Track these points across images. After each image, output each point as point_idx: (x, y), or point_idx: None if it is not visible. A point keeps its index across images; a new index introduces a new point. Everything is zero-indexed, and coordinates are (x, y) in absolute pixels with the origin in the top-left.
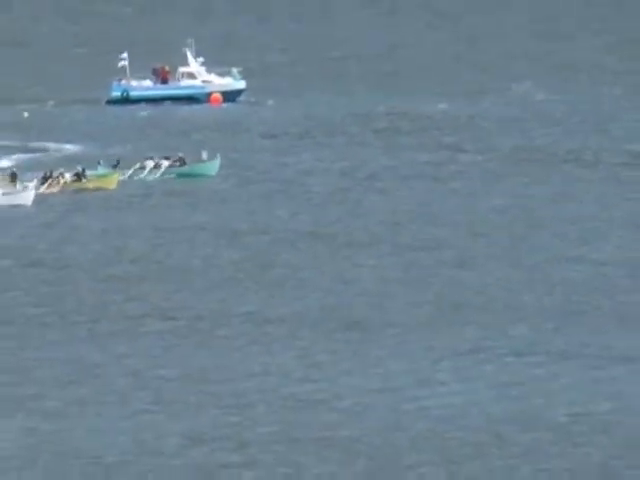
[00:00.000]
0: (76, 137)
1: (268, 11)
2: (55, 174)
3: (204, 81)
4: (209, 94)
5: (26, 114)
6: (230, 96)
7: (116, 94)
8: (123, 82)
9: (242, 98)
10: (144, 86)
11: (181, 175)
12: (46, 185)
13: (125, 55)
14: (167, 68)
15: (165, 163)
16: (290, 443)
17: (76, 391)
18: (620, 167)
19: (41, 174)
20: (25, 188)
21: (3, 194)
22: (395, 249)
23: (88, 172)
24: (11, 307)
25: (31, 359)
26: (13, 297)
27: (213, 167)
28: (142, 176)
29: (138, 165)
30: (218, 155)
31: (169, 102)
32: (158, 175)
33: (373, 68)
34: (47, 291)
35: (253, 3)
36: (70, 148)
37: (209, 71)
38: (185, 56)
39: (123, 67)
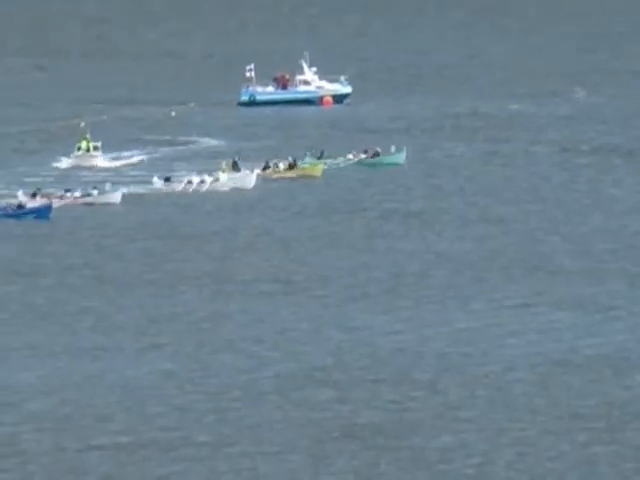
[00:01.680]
0: (215, 133)
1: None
2: (271, 163)
3: (317, 87)
4: (321, 97)
5: (173, 113)
6: (339, 99)
7: (245, 98)
8: (250, 88)
9: (348, 101)
10: (268, 91)
11: (375, 164)
12: (264, 172)
13: (252, 66)
14: (287, 76)
15: (362, 155)
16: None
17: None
18: None
19: (261, 163)
20: (248, 174)
21: (229, 179)
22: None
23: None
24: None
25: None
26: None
27: (400, 157)
28: (342, 165)
29: (340, 157)
30: (404, 148)
31: (289, 105)
32: (353, 164)
33: (455, 74)
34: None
35: (354, 20)
36: (212, 142)
37: (321, 78)
38: (301, 66)
39: (250, 76)
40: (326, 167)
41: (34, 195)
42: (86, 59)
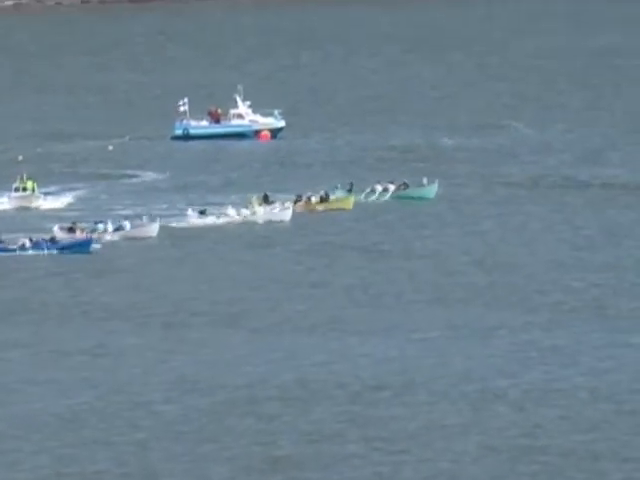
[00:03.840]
0: (152, 167)
1: (298, 58)
2: (304, 196)
3: (251, 120)
4: (256, 131)
5: (111, 147)
6: (274, 133)
7: (179, 132)
8: (184, 122)
9: (282, 135)
10: (202, 125)
11: (404, 197)
12: (296, 205)
13: (185, 100)
14: (219, 110)
15: (391, 187)
16: None
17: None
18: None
19: (293, 196)
20: (285, 207)
21: (266, 212)
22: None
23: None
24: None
25: None
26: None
27: (432, 191)
28: (373, 198)
29: (369, 189)
30: (436, 180)
31: (223, 138)
32: (387, 197)
33: (388, 106)
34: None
35: (284, 52)
36: (151, 176)
37: (255, 112)
38: (235, 100)
39: (184, 109)
40: (358, 200)
41: (71, 229)
42: (13, 93)
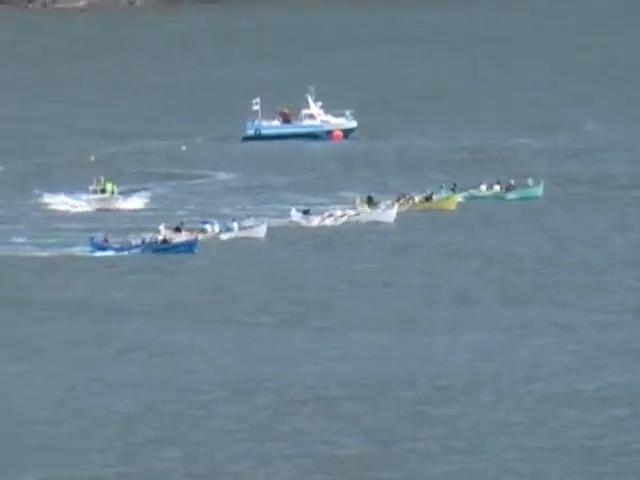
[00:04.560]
0: (225, 167)
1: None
2: (407, 196)
3: (323, 121)
4: (328, 132)
5: (184, 147)
6: (345, 133)
7: (250, 132)
8: (256, 122)
9: (354, 135)
10: (273, 125)
11: (513, 198)
12: (398, 205)
13: (258, 99)
14: (286, 111)
15: (496, 187)
16: None
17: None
18: None
19: (394, 196)
20: (389, 208)
21: (371, 212)
22: None
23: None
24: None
25: None
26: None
27: (538, 191)
28: (478, 198)
29: (474, 189)
30: (542, 181)
31: (294, 139)
32: (491, 197)
33: (458, 106)
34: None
35: (353, 51)
36: (224, 176)
37: (326, 112)
38: (306, 100)
39: (256, 109)
40: (461, 200)
41: (177, 229)
42: (83, 92)
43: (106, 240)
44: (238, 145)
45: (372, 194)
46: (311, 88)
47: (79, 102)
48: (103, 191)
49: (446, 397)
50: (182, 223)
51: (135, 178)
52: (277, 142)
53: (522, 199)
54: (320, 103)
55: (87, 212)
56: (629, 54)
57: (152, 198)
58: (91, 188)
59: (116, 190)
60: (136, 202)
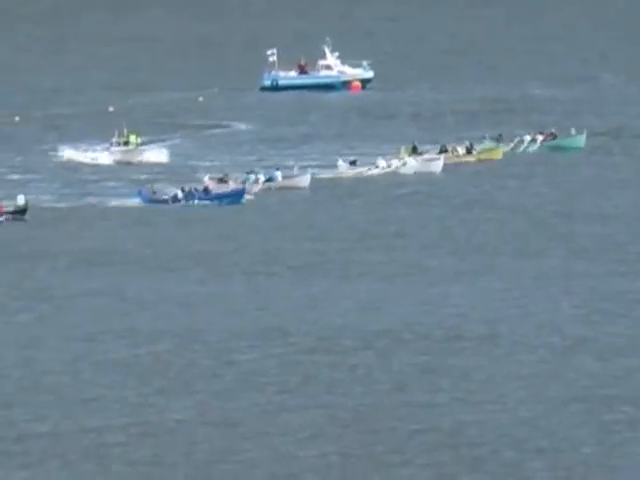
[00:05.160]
0: (242, 117)
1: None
2: (449, 147)
3: (339, 72)
4: (345, 82)
5: (201, 99)
6: (362, 84)
7: (267, 83)
8: (273, 73)
9: (371, 85)
10: (290, 76)
11: (554, 148)
12: (442, 155)
13: (274, 50)
14: (303, 62)
15: (540, 137)
16: None
17: None
18: None
19: (437, 147)
20: (436, 159)
21: (418, 163)
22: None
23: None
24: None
25: None
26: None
27: (581, 140)
28: (522, 148)
29: (517, 139)
30: (585, 130)
31: (312, 89)
32: (536, 147)
33: (475, 58)
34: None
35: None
36: (242, 126)
37: (343, 63)
38: (323, 51)
39: (273, 60)
40: (507, 150)
41: (222, 180)
42: (102, 45)
43: (154, 192)
44: (255, 95)
45: (416, 143)
46: (328, 39)
47: (95, 55)
48: (126, 143)
49: (459, 347)
50: (226, 174)
51: (155, 129)
52: (294, 93)
53: (565, 149)
54: (337, 54)
55: (108, 165)
56: None
57: (173, 150)
58: (114, 140)
59: (139, 141)
60: (160, 154)
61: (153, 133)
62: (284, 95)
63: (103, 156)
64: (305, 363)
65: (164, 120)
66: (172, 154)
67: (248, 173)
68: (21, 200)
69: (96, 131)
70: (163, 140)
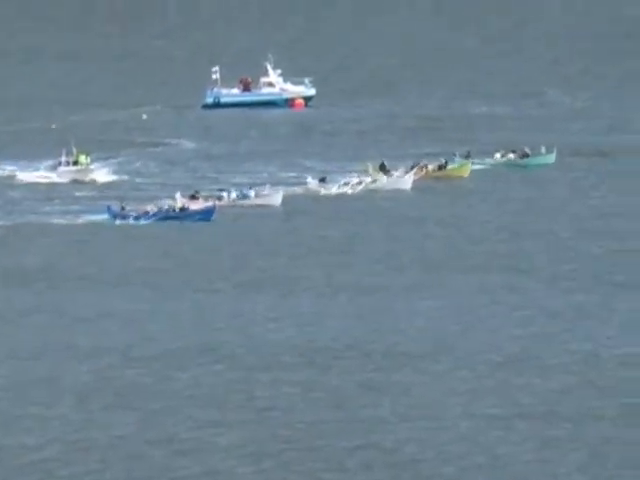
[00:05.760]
0: (185, 135)
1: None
2: (421, 164)
3: (281, 89)
4: (287, 100)
5: (145, 116)
6: (304, 101)
7: (209, 100)
8: (215, 90)
9: (312, 103)
10: (232, 93)
11: (523, 165)
12: (412, 173)
13: (217, 68)
14: (249, 79)
15: (511, 155)
16: None
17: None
18: None
19: (409, 164)
20: (405, 176)
21: (387, 181)
22: None
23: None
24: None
25: None
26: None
27: (551, 158)
28: (490, 165)
29: (487, 158)
30: (554, 149)
31: (254, 107)
32: (502, 164)
33: (417, 74)
34: None
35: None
36: (187, 144)
37: (285, 80)
38: (265, 68)
39: (215, 77)
40: (474, 167)
41: (193, 197)
42: (42, 59)
43: (123, 208)
44: (197, 113)
45: (385, 161)
46: (270, 56)
47: (38, 71)
48: (75, 163)
49: (400, 364)
50: (197, 191)
51: (99, 147)
52: (236, 110)
53: (535, 166)
54: (279, 71)
55: (57, 184)
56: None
57: (120, 168)
58: (62, 159)
59: (89, 161)
60: (111, 174)
61: (98, 151)
62: (226, 112)
63: (52, 175)
64: (245, 380)
65: (108, 137)
66: (120, 172)
67: (220, 191)
68: None
69: (39, 149)
70: (105, 159)
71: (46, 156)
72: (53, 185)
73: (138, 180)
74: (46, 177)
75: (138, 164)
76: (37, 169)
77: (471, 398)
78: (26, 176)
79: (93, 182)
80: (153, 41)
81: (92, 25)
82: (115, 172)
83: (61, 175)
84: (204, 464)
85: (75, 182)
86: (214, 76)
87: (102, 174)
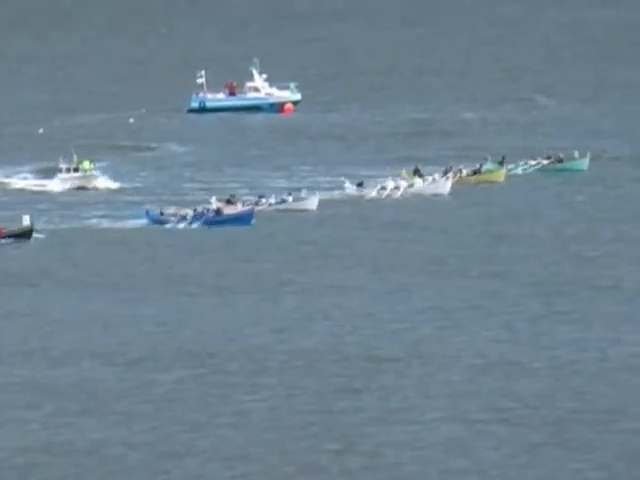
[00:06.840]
0: (171, 139)
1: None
2: (455, 169)
3: (267, 94)
4: (273, 104)
5: (132, 120)
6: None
7: (195, 105)
8: (201, 94)
9: (298, 108)
10: (218, 98)
11: (558, 170)
12: (449, 177)
13: (203, 72)
14: (234, 83)
15: (544, 161)
16: None
17: None
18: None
19: (442, 168)
20: (444, 180)
21: (426, 185)
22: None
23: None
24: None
25: None
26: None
27: (584, 163)
28: (525, 171)
29: (522, 162)
30: (588, 153)
31: (239, 111)
32: (537, 169)
33: (403, 80)
34: None
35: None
36: (176, 148)
37: (271, 85)
38: (251, 73)
39: (201, 82)
40: (509, 173)
41: (229, 201)
42: (28, 63)
43: (162, 213)
44: (183, 117)
45: (418, 166)
46: (256, 60)
47: (23, 75)
48: (76, 169)
49: (380, 368)
50: (233, 195)
51: (86, 151)
52: (222, 115)
53: (569, 171)
54: (265, 76)
55: (60, 192)
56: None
57: (117, 174)
58: (63, 166)
59: (93, 167)
60: (114, 180)
61: (86, 155)
62: (211, 117)
63: (52, 183)
64: (224, 383)
65: (95, 142)
66: (116, 178)
67: (260, 197)
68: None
69: (27, 153)
70: (98, 160)
71: (34, 160)
72: (76, 192)
73: (138, 185)
74: (40, 185)
75: (126, 168)
76: (19, 173)
77: (451, 402)
78: (21, 182)
79: (95, 189)
80: (139, 45)
81: (77, 29)
82: (113, 178)
83: (64, 182)
84: (184, 468)
85: (77, 189)
86: (200, 80)
87: (104, 181)
